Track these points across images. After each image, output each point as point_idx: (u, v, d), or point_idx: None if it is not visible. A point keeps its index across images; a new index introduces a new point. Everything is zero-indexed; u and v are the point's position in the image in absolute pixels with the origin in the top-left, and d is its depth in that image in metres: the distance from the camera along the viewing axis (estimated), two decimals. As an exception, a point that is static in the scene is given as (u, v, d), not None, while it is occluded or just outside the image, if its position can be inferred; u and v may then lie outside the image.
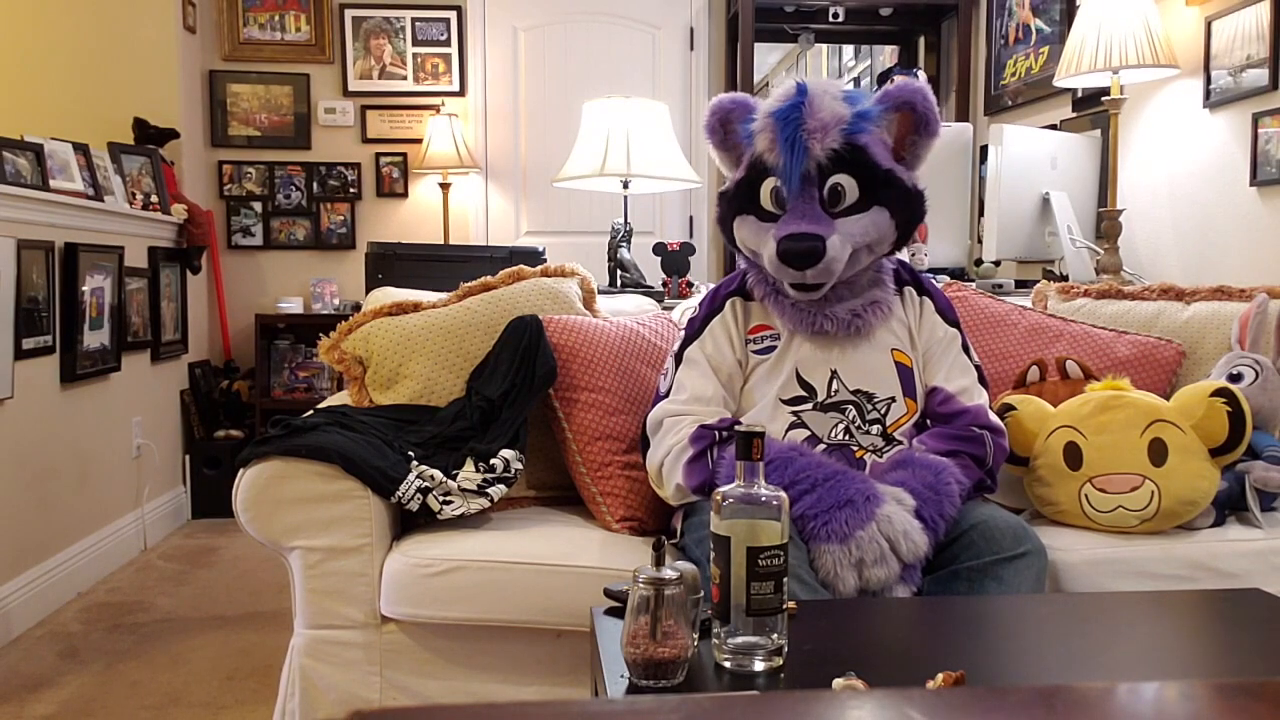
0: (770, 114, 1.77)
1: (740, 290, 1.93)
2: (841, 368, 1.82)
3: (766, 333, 1.88)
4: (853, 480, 1.66)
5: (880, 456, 1.80)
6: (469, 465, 1.91)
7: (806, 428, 1.80)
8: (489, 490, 1.88)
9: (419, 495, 1.83)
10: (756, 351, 1.87)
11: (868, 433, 1.81)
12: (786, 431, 1.80)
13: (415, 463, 1.86)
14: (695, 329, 1.91)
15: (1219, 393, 1.91)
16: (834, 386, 1.82)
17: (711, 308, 1.92)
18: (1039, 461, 1.97)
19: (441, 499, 1.84)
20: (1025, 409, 2.01)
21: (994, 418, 1.88)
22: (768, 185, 1.80)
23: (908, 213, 1.81)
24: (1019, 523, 1.74)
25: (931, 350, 1.90)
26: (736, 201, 1.85)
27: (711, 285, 2.10)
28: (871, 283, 1.87)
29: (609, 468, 1.96)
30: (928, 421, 1.88)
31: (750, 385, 1.87)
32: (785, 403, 1.82)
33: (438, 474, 1.86)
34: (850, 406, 1.81)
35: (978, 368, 1.93)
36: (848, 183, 1.76)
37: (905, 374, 1.86)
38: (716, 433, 1.76)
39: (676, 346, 1.93)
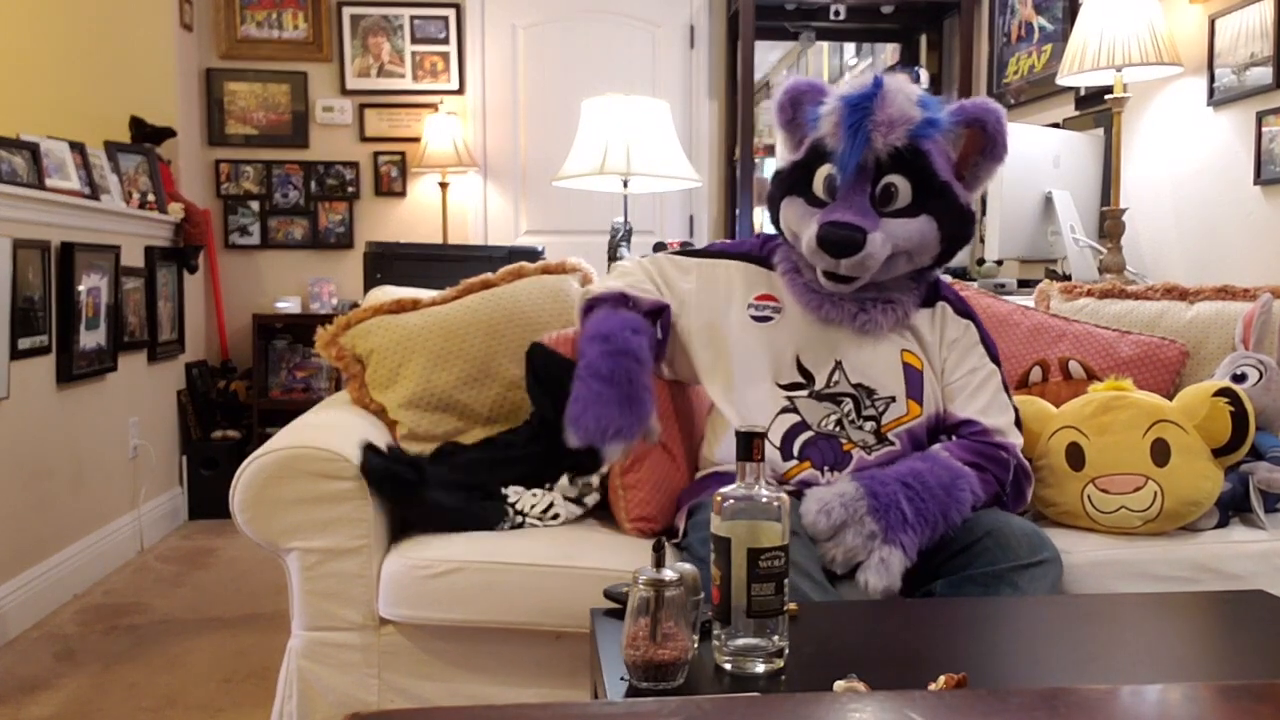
0: (841, 98, 1.76)
1: (756, 258, 1.94)
2: (847, 359, 1.82)
3: (770, 303, 1.89)
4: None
5: (869, 454, 1.78)
6: (564, 480, 1.97)
7: (797, 413, 1.80)
8: (585, 500, 1.97)
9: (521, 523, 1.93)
10: (754, 318, 1.88)
11: (860, 428, 1.80)
12: (777, 414, 1.80)
13: (511, 501, 1.93)
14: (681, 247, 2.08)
15: (1222, 393, 1.90)
16: (835, 377, 1.81)
17: (694, 250, 2.04)
18: (1041, 462, 1.96)
19: (540, 517, 1.93)
20: (1027, 410, 1.99)
21: (1026, 462, 1.87)
22: (823, 171, 1.79)
23: (956, 229, 1.79)
24: (1036, 530, 1.72)
25: (969, 382, 1.86)
26: (789, 182, 1.84)
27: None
28: (899, 288, 1.85)
29: (640, 463, 1.92)
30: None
31: (741, 355, 1.86)
32: (782, 387, 1.82)
33: (533, 499, 1.94)
34: (848, 399, 1.80)
35: (1016, 410, 1.89)
36: (902, 185, 1.75)
37: (913, 376, 1.83)
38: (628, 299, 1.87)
39: None
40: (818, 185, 1.80)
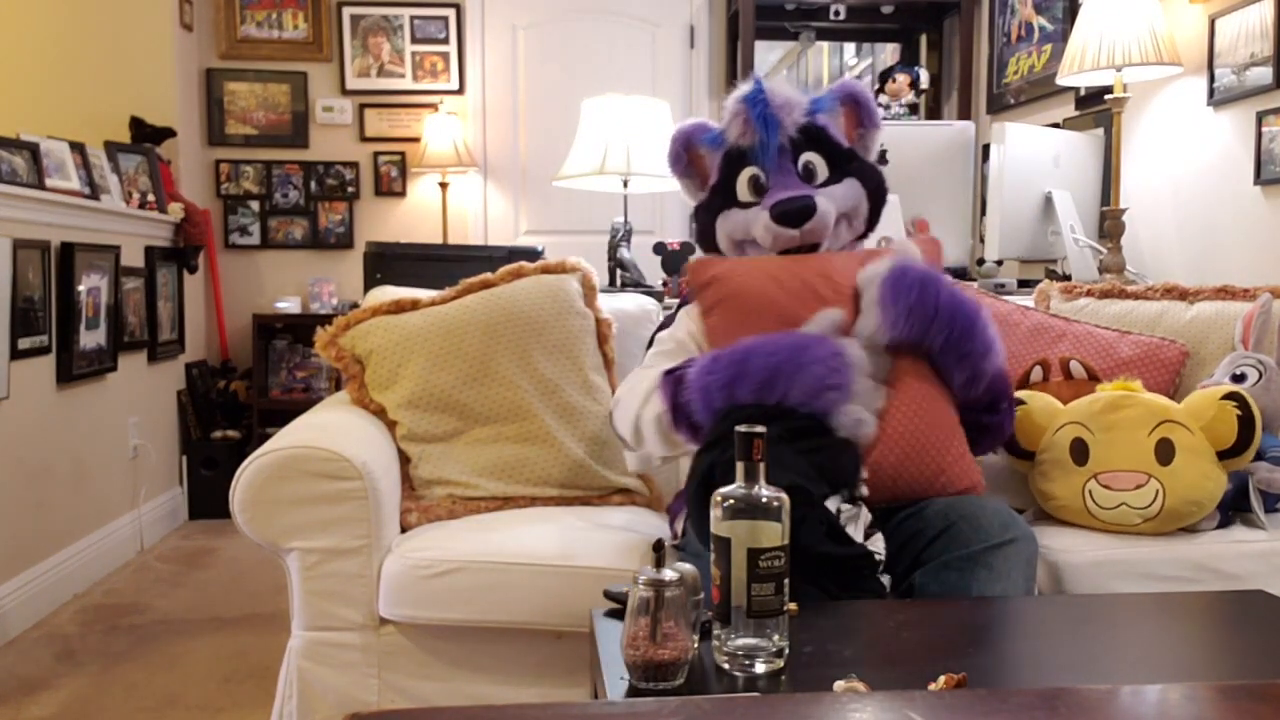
0: (739, 100, 1.89)
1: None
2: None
3: None
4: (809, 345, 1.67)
5: None
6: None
7: None
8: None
9: None
10: None
11: None
12: None
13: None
14: (667, 320, 2.04)
15: (1230, 396, 1.89)
16: None
17: (681, 302, 2.05)
18: (1044, 455, 1.96)
19: None
20: (1035, 404, 2.00)
21: None
22: (745, 175, 1.89)
23: (875, 184, 1.94)
24: (1007, 511, 1.73)
25: None
26: (716, 202, 1.93)
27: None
28: None
29: None
30: None
31: None
32: None
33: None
34: None
35: None
36: (817, 160, 1.89)
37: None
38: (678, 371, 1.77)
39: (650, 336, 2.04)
40: (743, 190, 1.90)
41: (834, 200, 1.86)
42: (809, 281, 1.79)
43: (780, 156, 1.86)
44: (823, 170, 1.89)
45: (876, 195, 1.93)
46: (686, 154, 1.96)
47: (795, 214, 1.82)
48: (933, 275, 1.74)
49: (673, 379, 1.74)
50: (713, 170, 1.93)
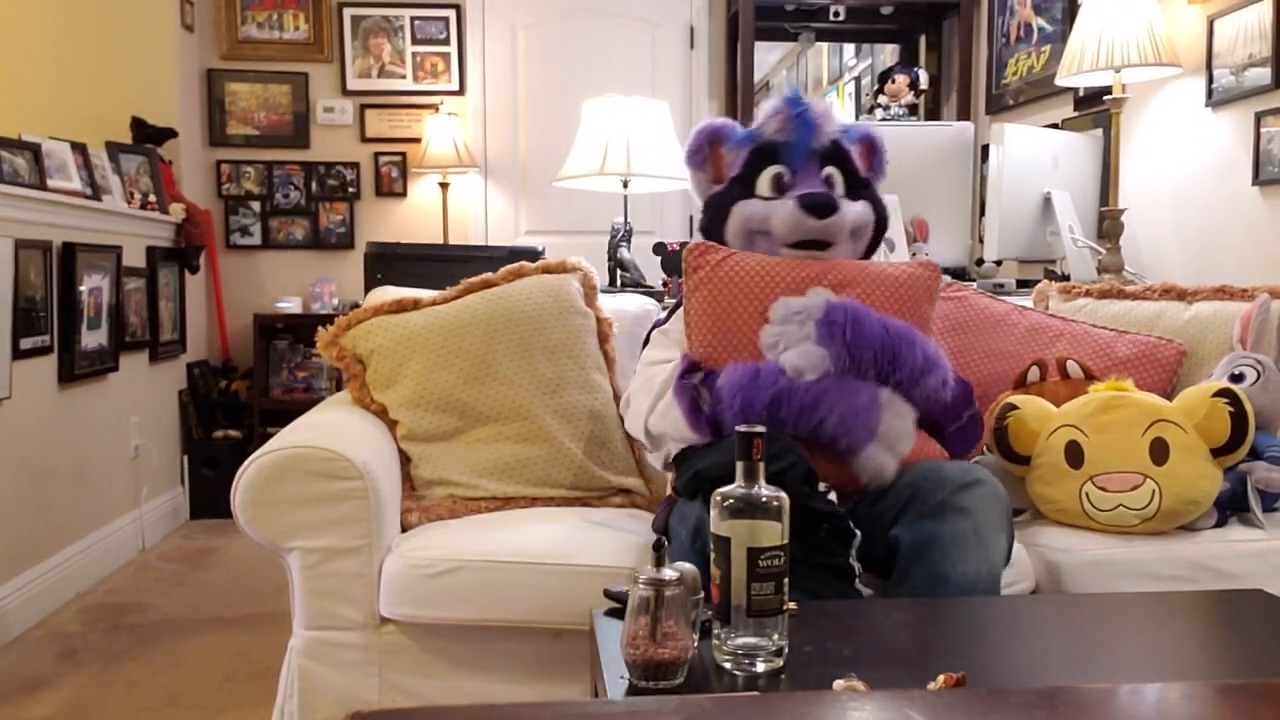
0: (783, 99, 1.97)
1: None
2: None
3: None
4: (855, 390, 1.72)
5: None
6: None
7: None
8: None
9: None
10: None
11: None
12: None
13: None
14: (664, 317, 2.06)
15: (1222, 393, 1.90)
16: None
17: (678, 303, 2.05)
18: (1040, 460, 1.97)
19: None
20: (1028, 408, 2.00)
21: None
22: (769, 172, 1.94)
23: (880, 214, 2.01)
24: (968, 465, 1.77)
25: None
26: (734, 192, 1.96)
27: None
28: None
29: None
30: None
31: None
32: None
33: None
34: None
35: None
36: (838, 176, 1.96)
37: None
38: (695, 377, 1.80)
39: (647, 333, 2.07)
40: (764, 186, 1.94)
41: (851, 212, 1.94)
42: (802, 284, 1.83)
43: (809, 160, 1.93)
44: (841, 187, 1.95)
45: (880, 225, 2.02)
46: (709, 148, 2.00)
47: (822, 206, 1.88)
48: (861, 311, 1.76)
49: (690, 385, 1.77)
50: (732, 167, 1.97)
